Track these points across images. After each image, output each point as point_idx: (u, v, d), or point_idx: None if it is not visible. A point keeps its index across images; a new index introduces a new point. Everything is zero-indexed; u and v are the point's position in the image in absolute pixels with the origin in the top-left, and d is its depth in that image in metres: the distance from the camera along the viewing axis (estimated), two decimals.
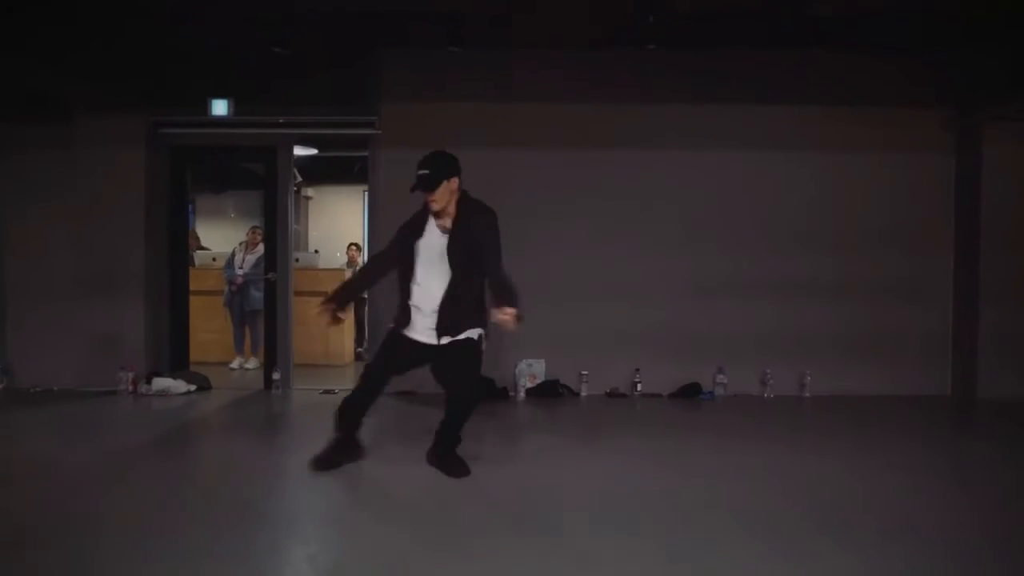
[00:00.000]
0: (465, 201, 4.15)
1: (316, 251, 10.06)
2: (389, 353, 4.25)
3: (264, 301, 7.29)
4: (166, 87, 6.74)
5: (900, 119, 6.71)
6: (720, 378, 6.70)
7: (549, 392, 6.61)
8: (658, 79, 6.66)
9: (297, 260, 7.99)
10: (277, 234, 7.03)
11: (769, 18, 5.82)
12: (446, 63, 6.57)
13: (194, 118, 6.75)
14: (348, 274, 9.62)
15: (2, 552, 3.07)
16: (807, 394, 6.64)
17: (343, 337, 9.27)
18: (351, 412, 4.22)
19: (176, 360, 7.08)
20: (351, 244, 10.23)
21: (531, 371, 6.66)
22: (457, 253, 4.05)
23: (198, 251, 9.52)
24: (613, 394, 6.71)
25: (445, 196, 4.06)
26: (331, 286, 9.06)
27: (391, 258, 4.32)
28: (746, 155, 6.74)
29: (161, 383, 6.61)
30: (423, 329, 4.14)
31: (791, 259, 6.74)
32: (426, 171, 4.04)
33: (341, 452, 4.23)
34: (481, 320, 4.17)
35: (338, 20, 5.91)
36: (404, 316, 4.18)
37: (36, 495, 3.83)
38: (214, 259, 9.20)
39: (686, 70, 6.64)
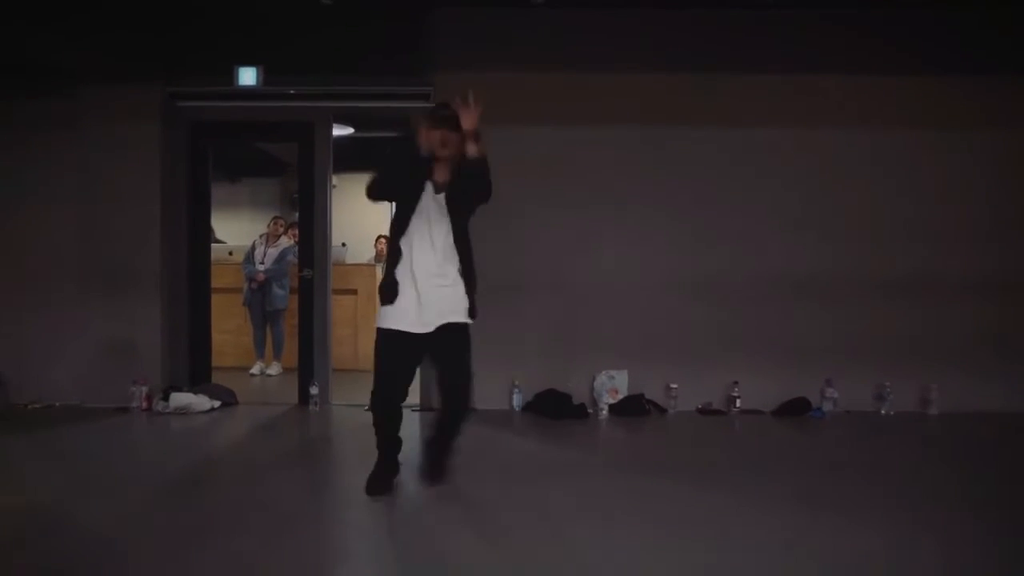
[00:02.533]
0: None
1: (344, 244, 9.15)
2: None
3: (298, 301, 6.31)
4: (185, 52, 5.85)
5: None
6: (829, 392, 5.78)
7: (634, 409, 5.67)
8: (754, 40, 5.78)
9: None
10: (314, 224, 6.08)
11: None
12: (513, 25, 5.66)
13: (217, 89, 5.84)
14: (378, 270, 8.82)
15: None
16: (934, 411, 5.72)
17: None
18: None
19: (197, 371, 6.13)
20: (380, 236, 9.31)
21: (612, 384, 5.73)
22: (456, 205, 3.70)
23: (212, 244, 8.70)
24: (706, 410, 5.79)
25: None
26: (361, 284, 8.41)
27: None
28: (852, 134, 5.84)
29: (180, 399, 5.68)
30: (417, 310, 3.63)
31: (909, 252, 5.85)
32: (449, 112, 3.66)
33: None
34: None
35: None
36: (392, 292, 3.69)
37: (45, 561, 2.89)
38: (230, 253, 8.42)
39: (782, 32, 5.75)
